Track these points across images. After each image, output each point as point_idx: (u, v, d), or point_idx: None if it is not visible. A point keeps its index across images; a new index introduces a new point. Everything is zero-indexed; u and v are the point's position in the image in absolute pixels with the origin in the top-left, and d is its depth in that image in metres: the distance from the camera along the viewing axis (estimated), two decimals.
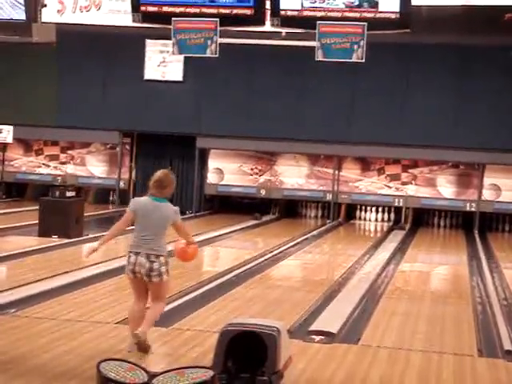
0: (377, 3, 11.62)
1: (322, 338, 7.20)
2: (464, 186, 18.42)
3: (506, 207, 18.15)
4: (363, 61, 12.38)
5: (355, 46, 11.95)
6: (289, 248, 13.64)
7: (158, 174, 6.69)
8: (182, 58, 18.27)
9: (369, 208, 19.35)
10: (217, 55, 15.19)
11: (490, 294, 9.94)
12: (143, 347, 6.29)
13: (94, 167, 20.15)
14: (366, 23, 11.56)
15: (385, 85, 17.98)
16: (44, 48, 19.22)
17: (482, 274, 11.74)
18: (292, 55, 17.53)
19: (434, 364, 6.60)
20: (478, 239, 16.64)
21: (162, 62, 18.87)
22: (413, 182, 18.69)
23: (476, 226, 18.09)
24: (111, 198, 20.25)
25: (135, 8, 12.23)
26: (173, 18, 11.76)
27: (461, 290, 10.51)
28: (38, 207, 13.53)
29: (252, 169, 19.29)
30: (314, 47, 12.91)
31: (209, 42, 13.11)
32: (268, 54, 17.82)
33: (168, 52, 18.29)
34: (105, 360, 3.40)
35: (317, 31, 11.95)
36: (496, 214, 18.56)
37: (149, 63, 18.93)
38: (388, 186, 18.79)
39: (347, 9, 11.85)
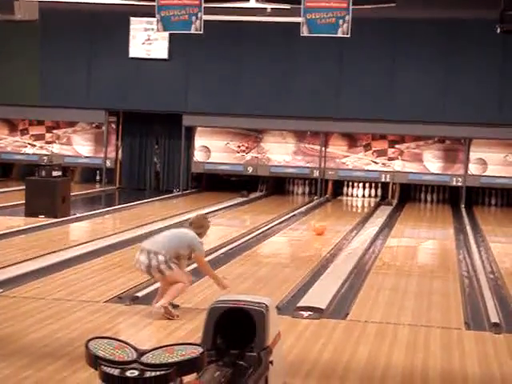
0: None
1: (311, 313, 7.23)
2: (450, 161, 18.48)
3: (492, 181, 18.24)
4: (349, 36, 12.31)
5: (340, 21, 11.91)
6: (276, 225, 13.66)
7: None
8: (166, 35, 18.19)
9: (356, 184, 19.39)
10: (201, 32, 15.11)
11: (476, 268, 10.00)
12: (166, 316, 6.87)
13: (80, 146, 20.06)
14: None
15: (371, 61, 17.95)
16: (28, 26, 19.10)
17: (468, 248, 11.80)
18: (278, 32, 17.48)
19: (422, 338, 6.65)
20: (464, 213, 16.71)
21: (147, 40, 18.76)
22: (399, 157, 18.72)
23: (462, 201, 18.17)
24: (98, 178, 20.19)
25: None
26: None
27: (448, 264, 10.57)
28: (24, 187, 13.48)
29: (239, 146, 19.26)
30: (300, 23, 12.87)
31: (193, 18, 13.03)
32: (254, 30, 17.76)
33: (153, 30, 18.19)
34: (94, 338, 3.40)
35: (302, 6, 11.90)
36: (482, 188, 18.65)
37: (133, 41, 18.81)
38: (375, 162, 18.82)
39: None
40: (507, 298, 8.33)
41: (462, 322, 7.25)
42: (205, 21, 14.93)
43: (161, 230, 11.71)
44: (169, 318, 6.83)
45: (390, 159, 18.76)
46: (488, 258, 10.93)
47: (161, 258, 6.89)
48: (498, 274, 9.77)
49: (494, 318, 7.27)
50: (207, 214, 14.83)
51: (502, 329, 7.00)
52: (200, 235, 7.20)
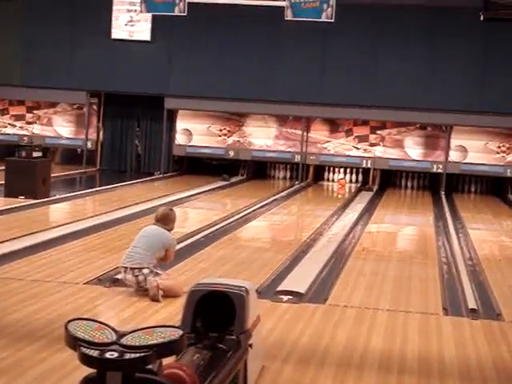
0: None
1: (290, 297, 7.25)
2: (431, 148, 18.55)
3: (473, 168, 18.33)
4: (333, 20, 12.29)
5: (325, 5, 11.88)
6: (257, 209, 13.68)
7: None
8: (149, 17, 18.10)
9: (337, 169, 19.42)
10: (185, 14, 15.05)
11: (455, 254, 10.07)
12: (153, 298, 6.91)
13: (60, 127, 19.94)
14: None
15: (355, 46, 17.95)
16: (10, 6, 18.93)
17: (447, 234, 11.87)
18: (262, 15, 17.44)
19: (400, 323, 6.70)
20: (444, 200, 16.81)
21: (130, 22, 18.64)
22: (381, 143, 18.77)
23: (442, 187, 18.27)
24: (79, 150, 19.95)
25: None
26: None
27: (427, 250, 10.63)
28: (3, 168, 13.39)
29: (221, 130, 19.22)
30: (284, 7, 12.83)
31: (177, 0, 12.95)
32: (238, 13, 17.69)
33: (136, 11, 18.11)
34: (73, 319, 3.39)
35: None
36: (462, 175, 18.75)
37: (116, 22, 18.70)
38: (356, 148, 18.85)
39: None
40: (485, 285, 8.40)
41: (440, 307, 7.30)
42: (188, 3, 14.88)
43: (140, 213, 11.75)
44: (153, 299, 6.85)
45: (372, 145, 18.80)
46: (467, 245, 11.01)
47: (145, 271, 7.02)
48: (477, 260, 9.85)
49: (472, 304, 7.33)
50: (188, 197, 14.88)
51: (479, 315, 7.06)
52: (171, 230, 7.32)
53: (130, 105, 19.22)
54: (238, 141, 19.18)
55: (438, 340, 6.25)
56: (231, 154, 19.15)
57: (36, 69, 18.91)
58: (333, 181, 19.37)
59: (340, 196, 17.73)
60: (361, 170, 19.20)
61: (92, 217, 11.65)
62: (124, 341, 3.24)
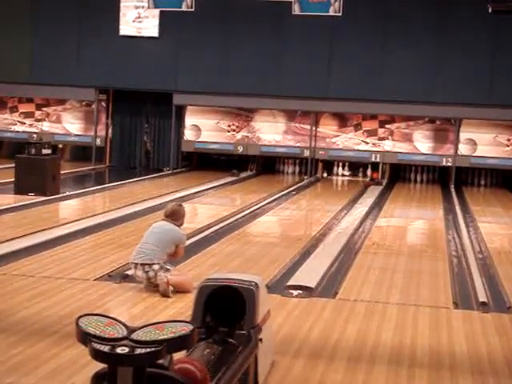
0: None
1: (300, 292, 7.26)
2: (440, 141, 18.51)
3: (482, 162, 18.29)
4: (340, 14, 12.26)
5: (332, 0, 11.86)
6: (266, 204, 13.68)
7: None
8: (157, 13, 18.11)
9: (346, 164, 19.39)
10: (193, 9, 15.06)
11: (465, 248, 10.05)
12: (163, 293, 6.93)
13: (69, 124, 19.98)
14: None
15: (362, 40, 17.91)
16: (17, 2, 18.97)
17: (457, 228, 11.85)
18: (269, 10, 17.42)
19: (411, 317, 6.69)
20: (453, 194, 16.77)
21: (138, 18, 18.65)
22: (389, 137, 18.73)
23: (452, 181, 18.23)
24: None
25: None
26: None
27: (437, 244, 10.61)
28: (13, 165, 13.43)
29: (229, 125, 19.22)
30: (291, 1, 12.81)
31: None
32: (245, 8, 17.69)
33: (143, 7, 18.12)
34: (84, 315, 3.40)
35: None
36: (472, 168, 18.70)
37: (124, 19, 18.71)
38: (365, 142, 18.82)
39: None
40: (495, 278, 8.39)
41: (450, 301, 7.29)
42: None
43: (150, 209, 11.78)
44: (163, 295, 6.87)
45: (381, 139, 18.77)
46: (477, 238, 10.99)
47: (155, 267, 7.03)
48: (487, 253, 9.83)
49: (482, 298, 7.32)
50: (197, 192, 14.89)
51: (490, 308, 7.05)
52: (180, 225, 7.33)
53: (139, 101, 19.24)
54: (247, 136, 19.18)
55: (448, 334, 6.25)
56: (240, 149, 19.14)
57: (45, 66, 18.94)
58: (342, 175, 19.35)
59: (350, 190, 17.73)
60: (370, 164, 19.17)
61: (101, 213, 11.68)
62: (135, 336, 3.25)
